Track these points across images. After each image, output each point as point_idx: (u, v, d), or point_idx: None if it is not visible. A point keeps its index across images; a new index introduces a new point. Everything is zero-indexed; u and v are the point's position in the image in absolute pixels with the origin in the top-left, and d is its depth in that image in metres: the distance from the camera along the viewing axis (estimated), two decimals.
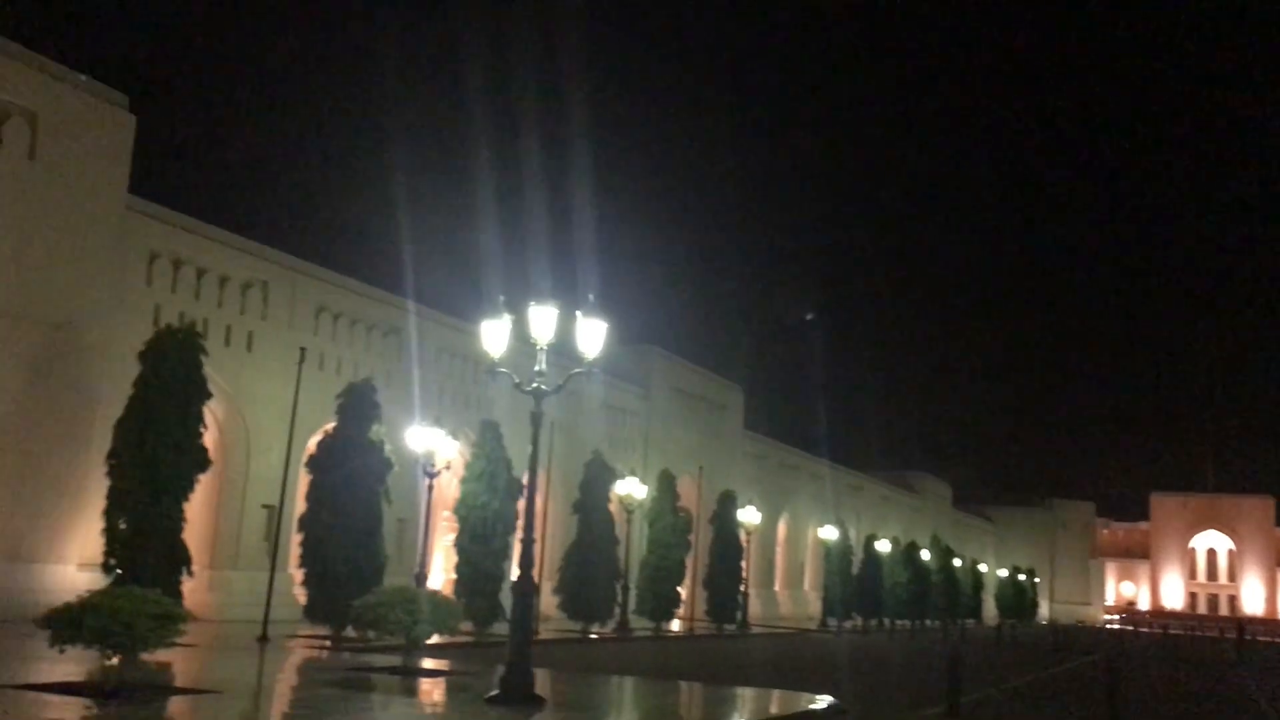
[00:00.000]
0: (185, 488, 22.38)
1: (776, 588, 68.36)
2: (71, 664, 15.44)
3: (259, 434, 31.23)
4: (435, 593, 21.72)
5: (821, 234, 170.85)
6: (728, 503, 48.99)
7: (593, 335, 15.69)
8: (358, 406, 27.53)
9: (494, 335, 16.28)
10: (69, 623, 12.98)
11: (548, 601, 37.19)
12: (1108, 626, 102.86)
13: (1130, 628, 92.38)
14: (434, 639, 21.21)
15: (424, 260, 38.69)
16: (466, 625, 28.03)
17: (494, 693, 14.92)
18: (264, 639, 23.57)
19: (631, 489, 39.03)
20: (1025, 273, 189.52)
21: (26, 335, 25.42)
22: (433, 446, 29.00)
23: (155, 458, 21.64)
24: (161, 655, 14.56)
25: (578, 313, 15.80)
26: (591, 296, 15.76)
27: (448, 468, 30.46)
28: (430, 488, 28.83)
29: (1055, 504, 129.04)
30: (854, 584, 61.92)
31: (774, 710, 18.29)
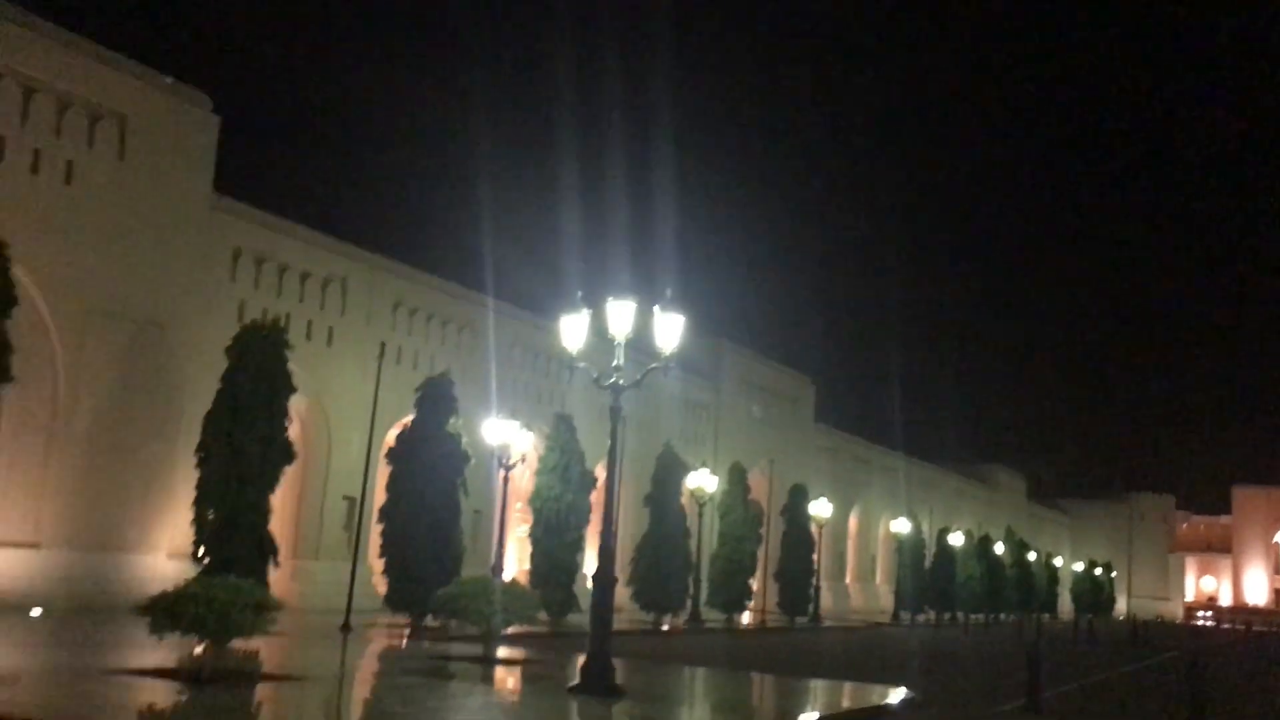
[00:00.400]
0: (271, 480, 22.97)
1: (847, 581, 68.03)
2: (162, 650, 15.95)
3: (339, 427, 31.89)
4: (514, 584, 22.07)
5: (896, 225, 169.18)
6: (799, 496, 48.89)
7: (670, 330, 15.79)
8: (436, 400, 28.00)
9: (573, 330, 16.43)
10: (167, 611, 13.44)
11: (620, 593, 37.28)
12: (1189, 623, 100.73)
13: (1212, 623, 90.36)
14: (511, 629, 21.58)
15: (501, 255, 39.18)
16: (541, 616, 28.40)
17: (575, 682, 15.15)
18: (346, 627, 24.09)
19: (703, 482, 39.16)
20: (1104, 261, 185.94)
21: (117, 331, 26.23)
22: (508, 439, 29.42)
23: (243, 450, 22.24)
24: (248, 643, 14.96)
25: (655, 307, 15.91)
26: (669, 291, 15.86)
27: (522, 461, 30.88)
28: (505, 480, 29.27)
29: (1133, 497, 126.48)
30: (926, 578, 61.42)
31: (850, 703, 18.32)
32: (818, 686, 20.76)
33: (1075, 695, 22.55)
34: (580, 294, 16.54)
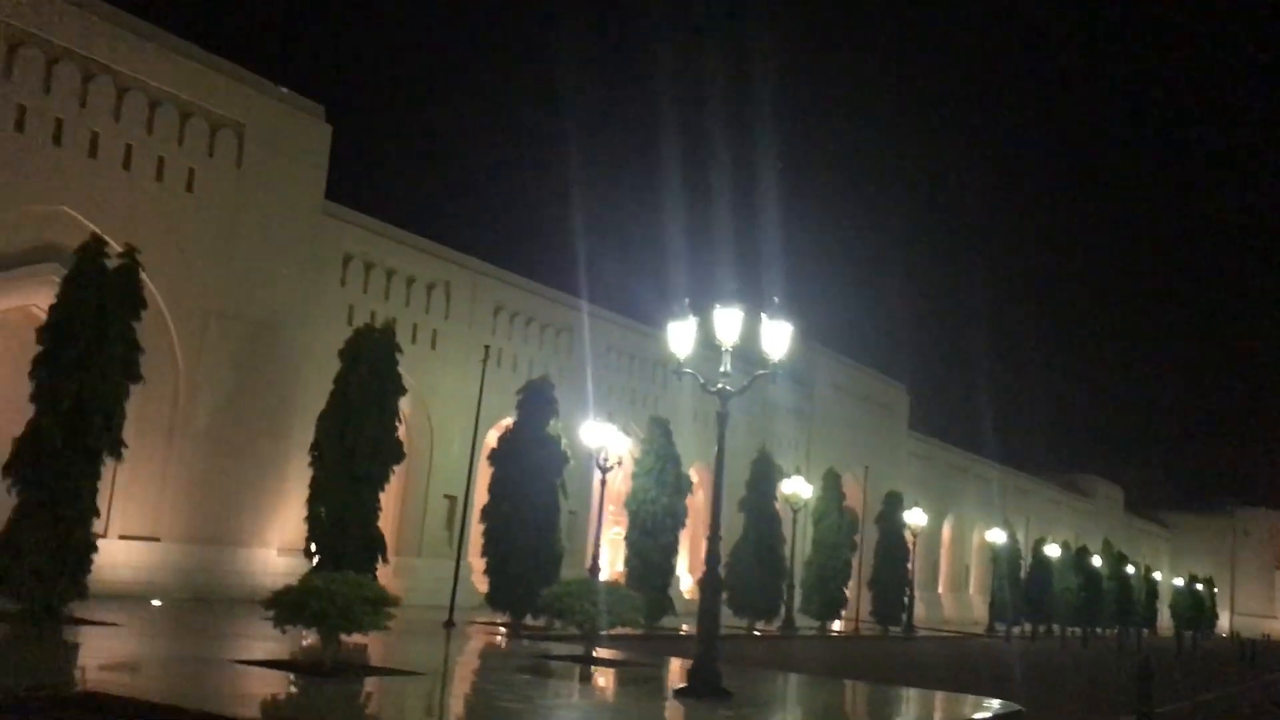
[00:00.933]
0: (381, 479, 23.60)
1: (940, 590, 67.16)
2: (274, 641, 16.51)
3: (441, 427, 32.60)
4: (618, 585, 22.33)
5: (990, 230, 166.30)
6: (893, 503, 48.51)
7: (778, 338, 15.89)
8: (537, 402, 28.45)
9: (680, 337, 16.62)
10: (291, 605, 13.96)
11: None
12: None
13: None
14: (609, 630, 21.84)
15: (600, 261, 39.64)
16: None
17: (683, 685, 15.33)
18: (449, 624, 24.63)
19: (797, 488, 39.09)
20: (1206, 264, 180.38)
21: (233, 333, 27.19)
22: (605, 442, 29.78)
23: (354, 450, 22.90)
24: (357, 637, 15.36)
25: (762, 314, 16.03)
26: (776, 299, 15.97)
27: (619, 463, 31.22)
28: (603, 483, 29.64)
29: (1238, 511, 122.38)
30: (1022, 589, 60.34)
31: (954, 714, 18.20)
32: (919, 696, 20.63)
33: (1188, 714, 22.00)
34: (687, 301, 16.74)
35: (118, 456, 18.88)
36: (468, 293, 34.00)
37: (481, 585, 28.67)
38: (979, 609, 65.79)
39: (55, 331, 18.55)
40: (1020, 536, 64.12)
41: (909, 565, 47.92)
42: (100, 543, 19.06)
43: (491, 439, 29.79)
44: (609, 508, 37.38)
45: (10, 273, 22.92)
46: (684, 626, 32.16)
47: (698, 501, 39.53)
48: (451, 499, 32.35)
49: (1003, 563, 58.53)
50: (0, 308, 23.31)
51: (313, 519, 23.15)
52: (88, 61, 24.22)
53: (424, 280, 32.71)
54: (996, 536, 58.39)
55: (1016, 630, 57.32)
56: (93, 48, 24.27)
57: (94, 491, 18.41)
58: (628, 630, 25.85)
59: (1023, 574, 61.48)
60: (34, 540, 17.41)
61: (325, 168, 29.57)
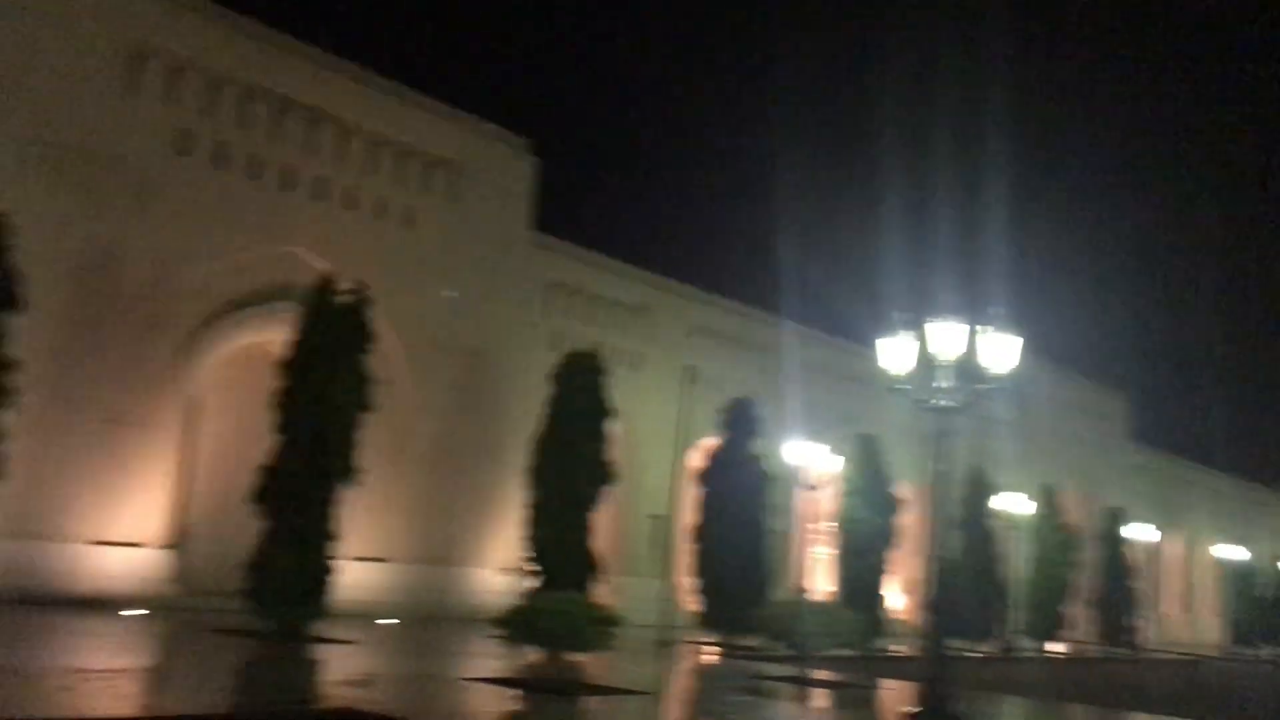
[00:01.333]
0: (595, 500, 24.09)
1: (1166, 609, 63.35)
2: (494, 659, 17.00)
3: (644, 447, 33.01)
4: (835, 607, 22.04)
5: (1213, 233, 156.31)
6: (1115, 519, 46.12)
7: (1003, 351, 15.36)
8: (740, 422, 28.49)
9: (892, 352, 16.27)
10: (522, 625, 14.43)
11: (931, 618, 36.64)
12: None
13: None
14: (822, 651, 21.58)
15: (805, 276, 39.31)
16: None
17: (914, 709, 14.97)
18: (664, 644, 24.85)
19: (1012, 504, 37.68)
20: None
21: (450, 362, 28.34)
22: (809, 460, 29.47)
23: (569, 472, 23.47)
24: (578, 655, 15.59)
25: (980, 327, 15.52)
26: (1000, 310, 15.43)
27: (825, 482, 30.83)
28: (808, 502, 29.34)
29: None
30: (1262, 609, 56.23)
31: None
32: None
33: None
34: (900, 315, 16.38)
35: (354, 482, 19.92)
36: (669, 315, 34.46)
37: (690, 604, 28.82)
38: (1210, 630, 61.65)
39: (293, 365, 19.80)
40: (1260, 553, 59.80)
41: (1134, 583, 45.41)
42: (336, 564, 20.12)
43: (698, 459, 29.97)
44: (813, 526, 36.98)
45: (248, 311, 24.57)
46: (896, 647, 31.43)
47: (907, 520, 38.60)
48: (656, 518, 32.69)
49: (1239, 581, 54.75)
50: (239, 344, 24.99)
51: (531, 540, 23.78)
52: (313, 109, 25.78)
53: (626, 304, 33.34)
54: (1232, 553, 54.68)
55: (1260, 653, 53.43)
56: (318, 96, 25.81)
57: (334, 516, 19.48)
58: (840, 651, 25.50)
59: (1265, 593, 57.30)
60: (280, 562, 18.56)
61: (532, 199, 30.54)
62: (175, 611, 21.26)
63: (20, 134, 21.19)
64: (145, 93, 23.08)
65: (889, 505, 32.75)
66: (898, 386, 16.21)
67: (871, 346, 16.89)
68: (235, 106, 24.53)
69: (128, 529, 22.16)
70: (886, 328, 16.42)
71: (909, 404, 16.56)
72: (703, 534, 27.73)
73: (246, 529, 19.48)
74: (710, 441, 30.38)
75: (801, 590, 28.55)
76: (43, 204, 20.87)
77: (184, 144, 23.57)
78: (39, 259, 18.73)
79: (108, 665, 14.61)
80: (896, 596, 40.03)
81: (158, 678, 14.63)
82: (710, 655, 25.00)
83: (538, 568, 23.48)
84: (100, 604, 20.67)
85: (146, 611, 20.65)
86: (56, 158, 21.61)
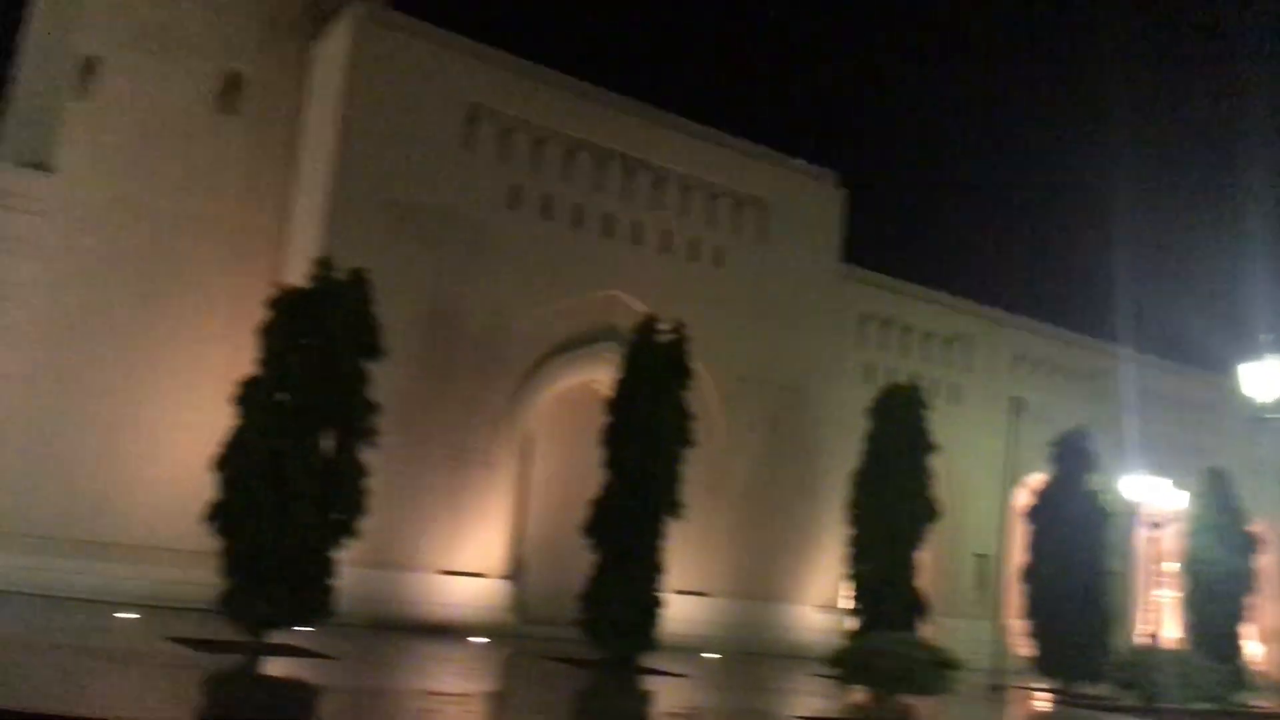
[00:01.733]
0: (918, 537, 23.39)
1: None
2: (818, 698, 16.66)
3: (966, 482, 31.73)
4: (1191, 654, 20.28)
5: None
6: None
7: None
8: (1073, 455, 26.88)
9: (1260, 378, 14.89)
10: (858, 666, 14.11)
11: None
12: None
13: None
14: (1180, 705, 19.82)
15: (1142, 302, 36.63)
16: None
17: None
18: (996, 688, 23.66)
19: None
20: None
21: (762, 397, 28.42)
22: (1150, 496, 27.41)
23: (890, 508, 22.94)
24: (906, 698, 15.02)
25: None
26: None
27: (1170, 520, 28.60)
28: (1151, 540, 27.23)
29: None
30: None
31: None
32: None
33: None
34: (1267, 338, 14.99)
35: (678, 516, 20.31)
36: (988, 344, 33.15)
37: (1021, 648, 27.34)
38: None
39: (618, 403, 20.50)
40: None
41: None
42: (663, 597, 20.52)
43: (1026, 495, 28.50)
44: (1155, 566, 34.25)
45: (575, 352, 25.71)
46: (1260, 702, 28.47)
47: (1265, 562, 35.03)
48: (982, 557, 31.31)
49: None
50: (568, 384, 26.16)
51: (854, 577, 23.36)
52: (628, 158, 26.78)
53: (941, 334, 32.35)
54: None
55: None
56: (634, 145, 26.80)
57: (661, 549, 19.93)
58: (1198, 704, 23.35)
59: None
60: (613, 595, 19.16)
61: (841, 232, 30.29)
62: (513, 639, 22.38)
63: (374, 197, 23.27)
64: (480, 151, 24.78)
65: (1245, 545, 29.95)
66: (1267, 415, 14.80)
67: (1219, 373, 15.55)
68: (560, 160, 25.87)
69: (472, 559, 23.59)
70: (1251, 352, 15.09)
71: (1275, 434, 15.11)
72: (1033, 574, 26.28)
73: (575, 560, 20.27)
74: (1038, 476, 28.85)
75: (1153, 636, 26.48)
76: (393, 258, 22.72)
77: (515, 198, 25.09)
78: (391, 309, 20.34)
79: (459, 689, 15.54)
80: (1254, 645, 36.39)
81: (504, 704, 15.39)
82: (1049, 703, 23.58)
83: (860, 606, 23.03)
84: (447, 631, 22.07)
85: (488, 639, 21.84)
86: (403, 216, 23.55)
